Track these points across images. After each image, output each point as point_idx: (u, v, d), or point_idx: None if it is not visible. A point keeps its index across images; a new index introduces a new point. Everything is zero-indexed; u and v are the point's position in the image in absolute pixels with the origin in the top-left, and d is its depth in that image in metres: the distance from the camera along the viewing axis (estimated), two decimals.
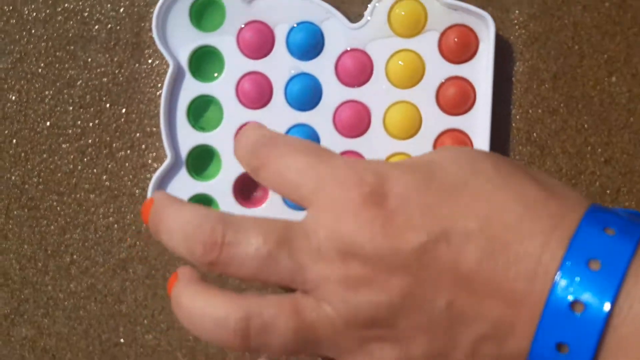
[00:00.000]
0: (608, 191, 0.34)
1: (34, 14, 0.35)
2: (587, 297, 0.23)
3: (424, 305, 0.24)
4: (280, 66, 0.34)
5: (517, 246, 0.24)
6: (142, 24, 0.35)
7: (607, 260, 0.23)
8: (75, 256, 0.36)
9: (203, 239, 0.26)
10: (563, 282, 0.23)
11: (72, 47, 0.35)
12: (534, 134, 0.34)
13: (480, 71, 0.33)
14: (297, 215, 0.29)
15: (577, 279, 0.23)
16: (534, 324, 0.23)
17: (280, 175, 0.27)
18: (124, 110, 0.35)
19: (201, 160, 0.34)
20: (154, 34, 0.33)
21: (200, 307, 0.26)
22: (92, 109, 0.35)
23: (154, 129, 0.35)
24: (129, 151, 0.35)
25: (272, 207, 0.34)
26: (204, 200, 0.34)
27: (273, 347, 0.26)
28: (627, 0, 0.34)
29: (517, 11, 0.34)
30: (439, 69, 0.33)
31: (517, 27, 0.34)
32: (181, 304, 0.26)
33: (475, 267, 0.24)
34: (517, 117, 0.35)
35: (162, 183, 0.34)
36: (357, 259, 0.25)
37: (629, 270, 0.23)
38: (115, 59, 0.35)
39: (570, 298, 0.23)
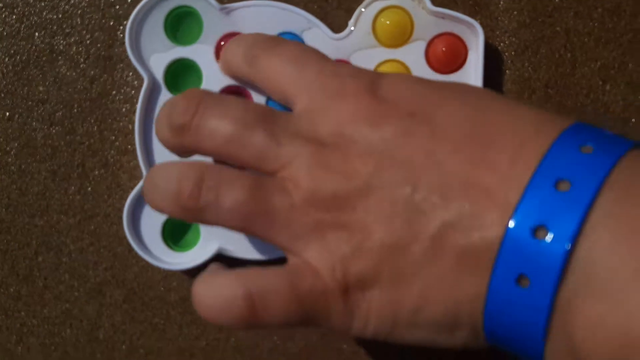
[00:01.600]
0: None
1: None
2: (549, 222, 0.21)
3: (388, 188, 0.23)
4: None
5: (498, 138, 0.23)
6: (115, 37, 0.33)
7: (577, 180, 0.21)
8: (48, 280, 0.34)
9: (182, 102, 0.26)
10: (526, 204, 0.21)
11: (40, 63, 0.34)
12: None
13: (469, 81, 0.32)
14: None
15: (541, 201, 0.21)
16: (505, 218, 0.21)
17: (286, 58, 0.27)
18: (96, 128, 0.34)
19: None
20: (128, 48, 0.31)
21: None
22: (63, 126, 0.34)
23: (129, 146, 0.33)
24: (102, 170, 0.34)
25: None
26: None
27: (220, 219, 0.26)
28: (621, 6, 0.33)
29: (506, 19, 0.33)
30: None
31: (507, 35, 0.33)
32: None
33: (450, 152, 0.23)
34: None
35: (138, 203, 0.32)
36: (334, 140, 0.24)
37: (602, 192, 0.21)
38: (87, 74, 0.33)
39: (532, 223, 0.21)
